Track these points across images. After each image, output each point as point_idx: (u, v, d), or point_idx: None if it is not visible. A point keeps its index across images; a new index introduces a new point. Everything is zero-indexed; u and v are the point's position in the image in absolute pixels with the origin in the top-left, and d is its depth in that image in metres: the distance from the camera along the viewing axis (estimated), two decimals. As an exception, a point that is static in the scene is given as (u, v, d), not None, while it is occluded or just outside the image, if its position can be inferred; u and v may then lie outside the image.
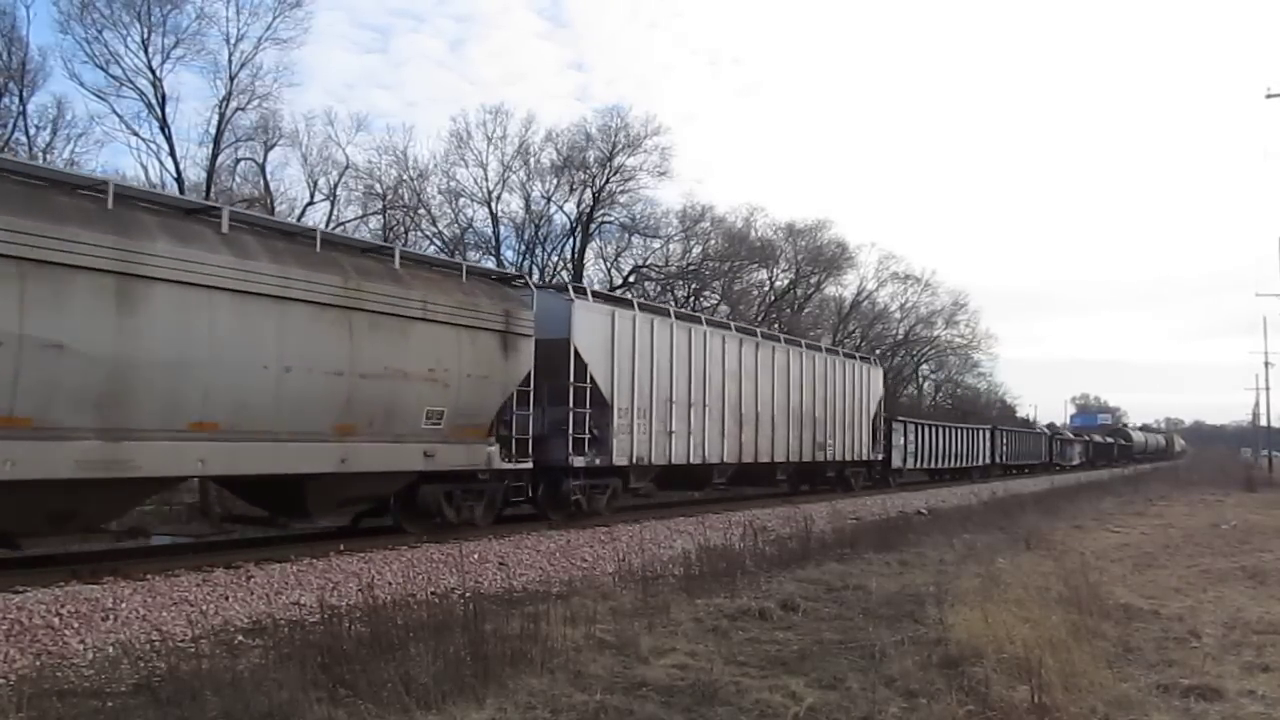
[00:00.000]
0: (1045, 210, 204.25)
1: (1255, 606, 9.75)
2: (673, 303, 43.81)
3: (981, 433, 44.23)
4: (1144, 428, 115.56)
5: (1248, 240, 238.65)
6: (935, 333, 62.79)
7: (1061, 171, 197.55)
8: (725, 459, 21.47)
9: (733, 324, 24.65)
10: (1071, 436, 68.16)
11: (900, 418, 36.26)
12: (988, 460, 43.79)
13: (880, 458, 30.84)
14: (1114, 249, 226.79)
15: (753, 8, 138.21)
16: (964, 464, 40.72)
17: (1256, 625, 8.76)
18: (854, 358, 30.21)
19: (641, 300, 23.73)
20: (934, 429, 38.13)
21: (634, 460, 18.30)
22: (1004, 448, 46.79)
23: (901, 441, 33.95)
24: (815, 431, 25.96)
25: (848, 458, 28.13)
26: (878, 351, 59.52)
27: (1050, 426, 75.01)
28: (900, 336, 60.86)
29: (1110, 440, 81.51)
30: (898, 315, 60.46)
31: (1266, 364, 61.91)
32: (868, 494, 27.98)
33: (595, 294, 18.97)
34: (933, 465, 37.22)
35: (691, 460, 20.14)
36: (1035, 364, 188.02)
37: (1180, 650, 7.75)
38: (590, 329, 17.33)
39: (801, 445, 25.11)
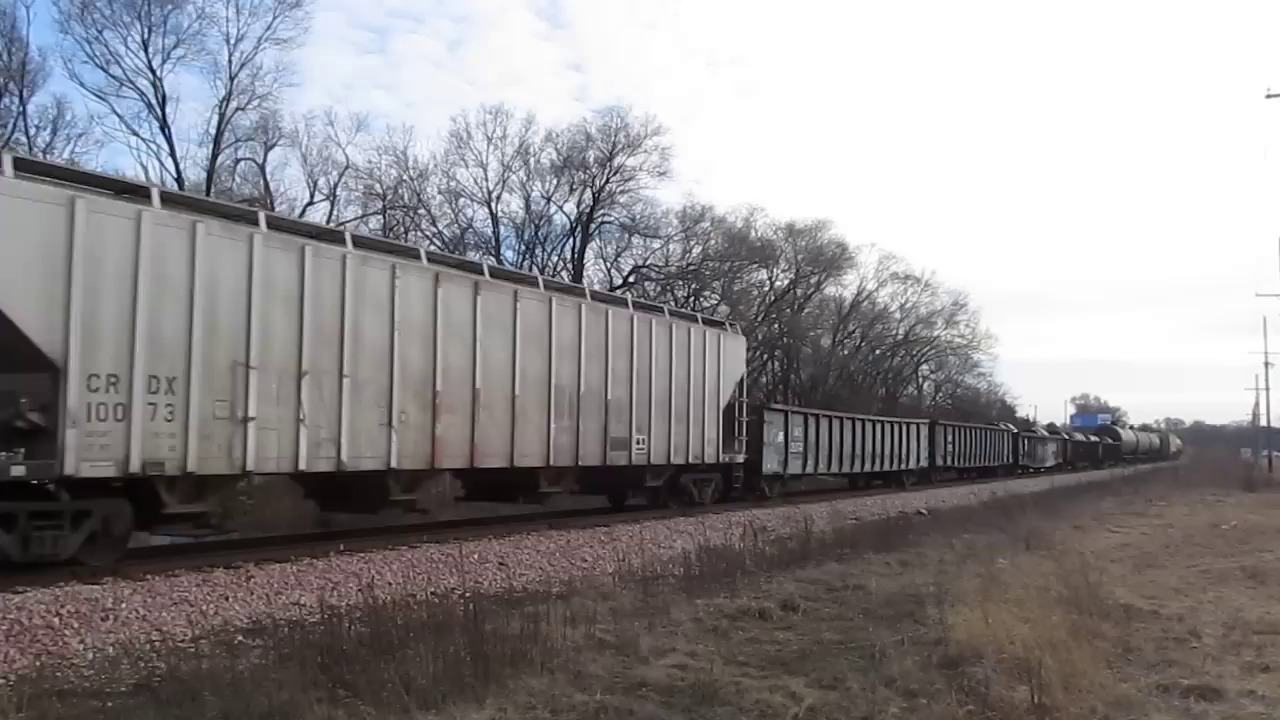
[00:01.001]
0: (1045, 210, 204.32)
1: (1255, 606, 9.76)
2: (671, 302, 44.10)
3: (914, 429, 35.65)
4: (1144, 427, 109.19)
5: (1248, 240, 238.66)
6: (935, 333, 62.82)
7: (1062, 172, 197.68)
8: (400, 462, 13.57)
9: (424, 250, 15.92)
10: (1045, 434, 58.72)
11: (777, 405, 28.72)
12: (924, 462, 35.93)
13: (742, 459, 22.56)
14: (1114, 249, 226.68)
15: (750, 7, 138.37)
16: (890, 467, 32.87)
17: (1256, 625, 8.77)
18: (693, 319, 21.54)
19: (170, 190, 15.86)
20: (834, 422, 29.30)
21: (137, 469, 10.47)
22: (950, 446, 38.99)
23: (780, 438, 25.56)
24: (610, 422, 17.77)
25: (681, 459, 20.01)
26: (877, 351, 59.71)
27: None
28: (900, 336, 60.89)
29: (1095, 439, 70.85)
30: (898, 315, 60.51)
31: (1266, 364, 61.97)
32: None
33: (24, 164, 10.25)
34: (837, 469, 29.59)
35: (306, 466, 12.36)
36: (1035, 364, 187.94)
37: (1180, 650, 7.76)
38: None
39: (581, 442, 17.05)
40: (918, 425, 36.54)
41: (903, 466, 33.83)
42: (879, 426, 32.74)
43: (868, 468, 31.34)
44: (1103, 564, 12.57)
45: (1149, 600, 10.01)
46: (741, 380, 22.74)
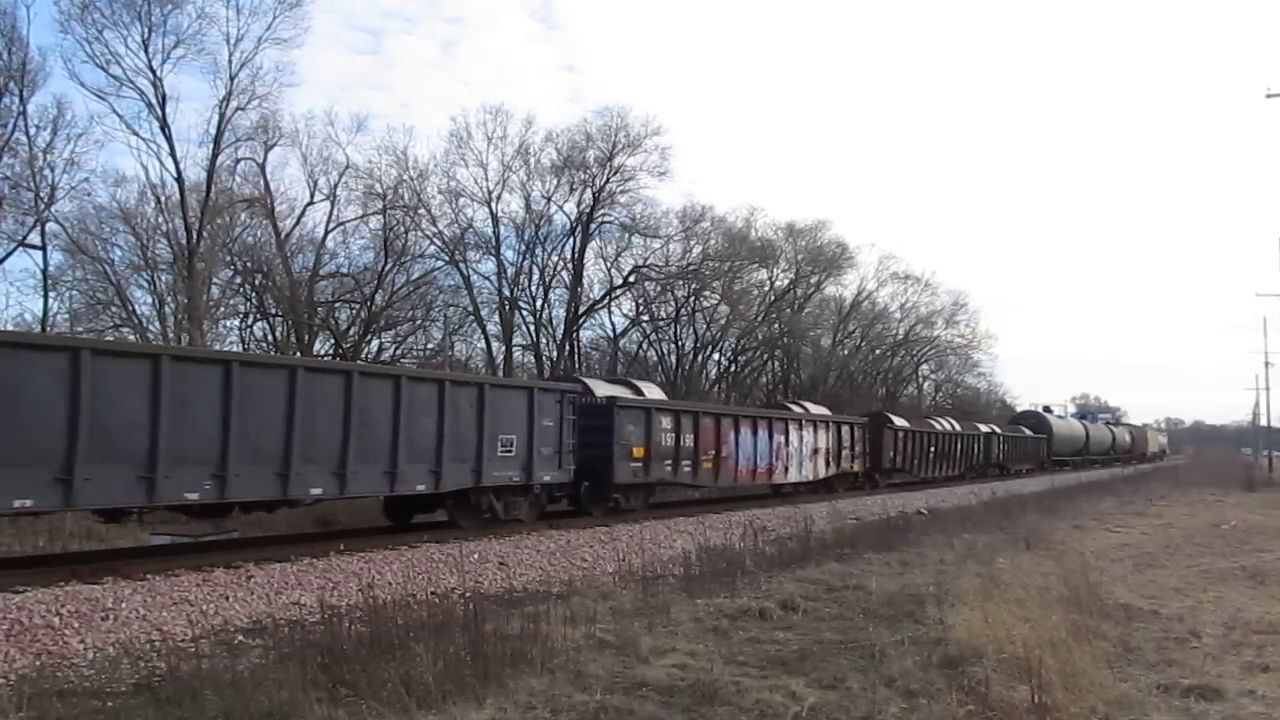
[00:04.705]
0: (1046, 210, 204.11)
1: (1255, 606, 9.75)
2: (672, 302, 43.92)
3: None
4: (1144, 426, 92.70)
5: (1248, 240, 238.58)
6: (935, 333, 62.62)
7: (1062, 172, 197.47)
8: None
9: None
10: (805, 412, 27.84)
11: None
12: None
13: None
14: (1114, 248, 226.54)
15: (747, 7, 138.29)
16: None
17: (1256, 625, 8.77)
18: None
19: None
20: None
21: None
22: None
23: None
24: None
25: None
26: (877, 351, 59.56)
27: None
28: (900, 336, 60.76)
29: (991, 431, 44.15)
30: (898, 315, 60.37)
31: (1266, 364, 61.52)
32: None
33: None
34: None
35: None
36: (1035, 364, 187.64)
37: (1180, 650, 7.76)
38: None
39: None
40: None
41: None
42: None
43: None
44: (1103, 564, 12.57)
45: (1149, 600, 10.01)
46: None
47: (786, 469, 25.08)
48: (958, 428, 39.78)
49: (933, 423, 38.37)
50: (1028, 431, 50.71)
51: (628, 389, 21.14)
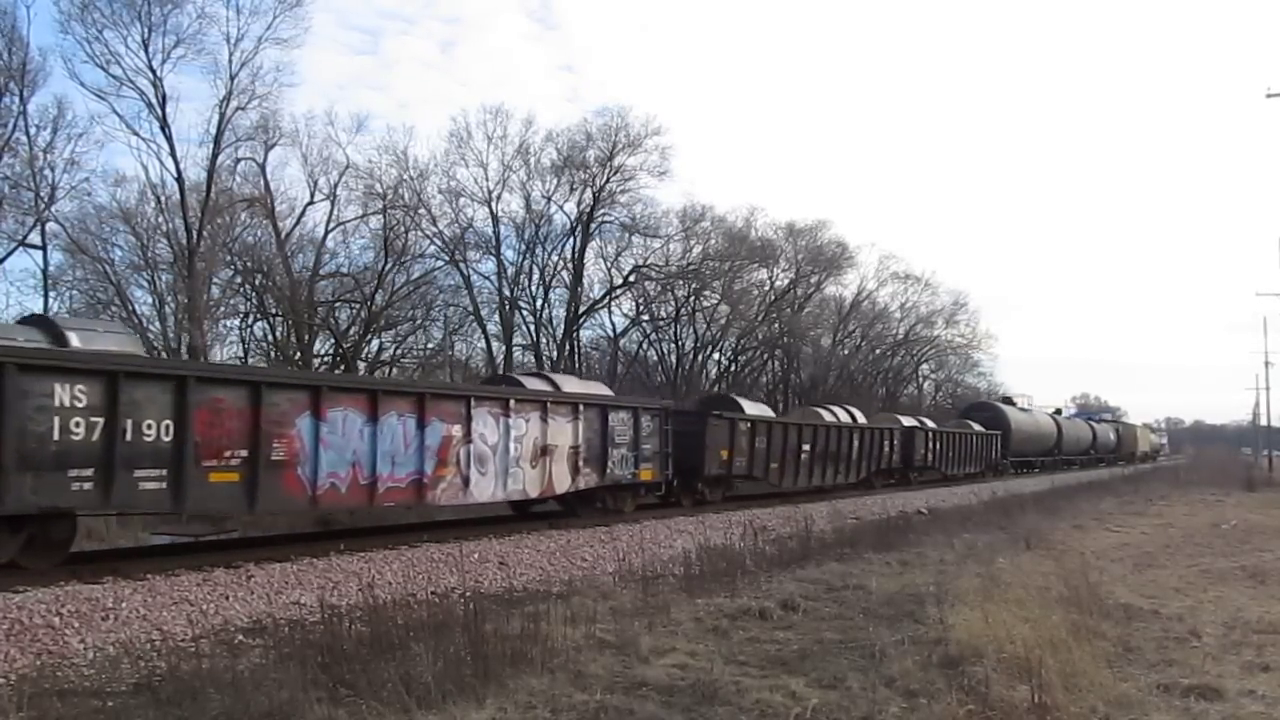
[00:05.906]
0: (1046, 210, 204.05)
1: (1255, 606, 9.75)
2: (672, 302, 43.94)
3: None
4: (1138, 422, 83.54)
5: (1248, 240, 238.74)
6: (935, 332, 62.70)
7: (1063, 171, 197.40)
8: None
9: None
10: (550, 390, 17.34)
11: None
12: None
13: None
14: (1115, 248, 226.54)
15: (746, 8, 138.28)
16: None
17: (1256, 625, 8.77)
18: None
19: None
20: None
21: None
22: None
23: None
24: None
25: None
26: (877, 351, 59.56)
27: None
28: (900, 336, 60.81)
29: (921, 426, 34.97)
30: (898, 315, 60.44)
31: (1266, 364, 61.45)
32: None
33: None
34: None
35: None
36: (1037, 364, 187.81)
37: (1180, 650, 7.75)
38: None
39: None
40: None
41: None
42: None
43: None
44: (1103, 563, 12.57)
45: (1149, 600, 10.01)
46: None
47: (466, 480, 14.67)
48: (860, 420, 30.50)
49: (820, 412, 29.11)
50: (976, 427, 40.94)
51: (40, 333, 11.57)
